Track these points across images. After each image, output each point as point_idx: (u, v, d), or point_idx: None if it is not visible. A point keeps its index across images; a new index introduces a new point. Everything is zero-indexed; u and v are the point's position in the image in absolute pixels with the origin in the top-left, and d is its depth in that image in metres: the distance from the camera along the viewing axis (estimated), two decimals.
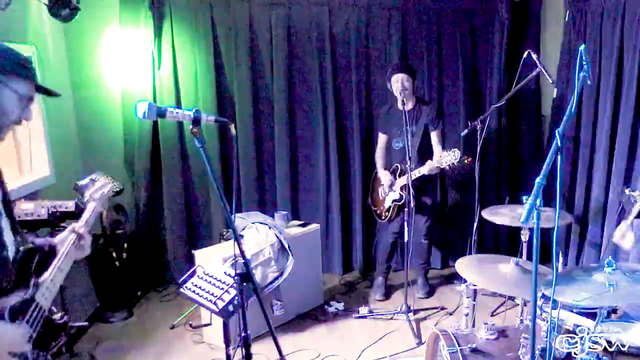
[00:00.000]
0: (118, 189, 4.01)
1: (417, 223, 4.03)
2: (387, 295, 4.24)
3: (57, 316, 1.64)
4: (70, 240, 1.71)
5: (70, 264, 1.70)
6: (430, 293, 4.25)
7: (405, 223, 3.67)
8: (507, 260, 2.38)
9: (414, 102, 3.97)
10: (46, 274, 1.60)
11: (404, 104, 3.69)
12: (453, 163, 3.58)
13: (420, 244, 4.18)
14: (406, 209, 3.68)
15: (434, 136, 4.00)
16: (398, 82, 3.81)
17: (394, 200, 4.01)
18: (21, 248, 1.63)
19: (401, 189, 3.96)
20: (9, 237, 1.57)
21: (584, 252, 4.26)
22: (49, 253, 1.71)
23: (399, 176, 4.00)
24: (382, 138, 4.21)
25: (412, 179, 3.76)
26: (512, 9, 4.53)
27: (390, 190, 4.05)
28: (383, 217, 4.19)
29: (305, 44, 4.46)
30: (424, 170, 3.76)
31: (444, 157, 3.58)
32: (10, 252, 1.56)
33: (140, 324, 3.81)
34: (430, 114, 3.96)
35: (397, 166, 4.06)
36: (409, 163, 3.63)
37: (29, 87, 1.53)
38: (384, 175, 4.12)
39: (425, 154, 3.98)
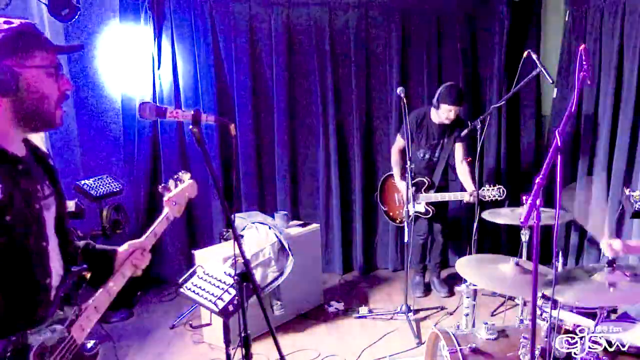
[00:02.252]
0: (118, 189, 4.03)
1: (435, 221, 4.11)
2: (427, 292, 4.26)
3: (90, 344, 1.47)
4: (132, 259, 1.62)
5: (121, 285, 1.58)
6: (451, 291, 4.18)
7: (406, 224, 3.67)
8: (507, 260, 2.38)
9: None
10: (90, 301, 1.46)
11: (450, 125, 3.86)
12: (496, 199, 3.66)
13: (438, 242, 4.20)
14: (406, 209, 3.68)
15: (461, 148, 3.99)
16: (451, 112, 3.81)
17: (419, 213, 3.98)
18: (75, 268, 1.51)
19: (427, 204, 3.96)
20: (55, 263, 1.41)
21: (584, 252, 4.26)
22: (108, 262, 1.61)
23: (425, 191, 3.97)
24: (400, 142, 4.06)
25: (446, 199, 3.91)
26: (512, 9, 4.52)
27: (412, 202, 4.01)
28: (398, 222, 4.20)
29: (305, 44, 4.46)
30: (465, 198, 3.80)
31: (487, 192, 3.67)
32: (55, 280, 1.39)
33: (140, 324, 3.81)
34: (461, 131, 3.94)
35: (422, 181, 4.00)
36: (408, 163, 3.62)
37: (48, 55, 1.33)
38: (402, 188, 4.03)
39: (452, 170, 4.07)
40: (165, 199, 1.77)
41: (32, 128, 1.35)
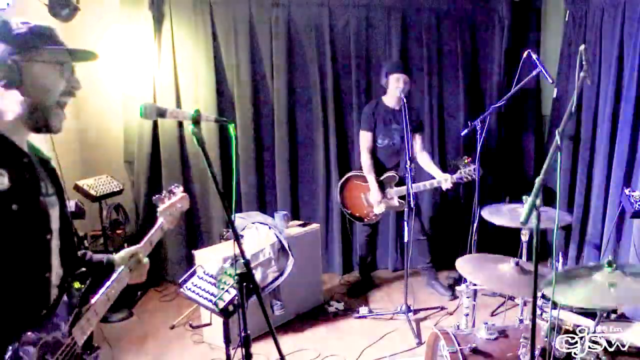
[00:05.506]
0: (118, 189, 4.02)
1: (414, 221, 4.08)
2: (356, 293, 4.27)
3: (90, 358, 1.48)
4: (129, 265, 1.64)
5: (120, 290, 1.59)
6: (454, 294, 4.09)
7: (405, 223, 3.66)
8: (507, 260, 2.38)
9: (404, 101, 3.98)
10: (91, 303, 1.48)
11: (403, 101, 3.66)
12: (469, 178, 3.69)
13: (421, 241, 4.16)
14: (406, 209, 3.68)
15: (419, 139, 4.04)
16: (399, 82, 3.86)
17: (394, 208, 4.00)
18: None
19: (400, 197, 3.98)
20: (56, 260, 1.42)
21: (584, 252, 4.26)
22: (106, 270, 1.62)
23: (396, 185, 4.00)
24: (367, 136, 4.04)
25: (422, 189, 3.89)
26: (512, 9, 4.53)
27: (383, 200, 4.00)
28: (367, 221, 4.17)
29: (305, 44, 4.46)
30: (443, 185, 3.82)
31: (464, 173, 3.71)
32: (55, 276, 1.41)
33: (140, 324, 3.81)
34: (416, 117, 4.04)
35: (391, 176, 4.02)
36: (408, 163, 3.61)
37: (62, 54, 1.39)
38: (374, 190, 3.98)
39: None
40: (159, 209, 1.86)
41: (35, 126, 1.37)
